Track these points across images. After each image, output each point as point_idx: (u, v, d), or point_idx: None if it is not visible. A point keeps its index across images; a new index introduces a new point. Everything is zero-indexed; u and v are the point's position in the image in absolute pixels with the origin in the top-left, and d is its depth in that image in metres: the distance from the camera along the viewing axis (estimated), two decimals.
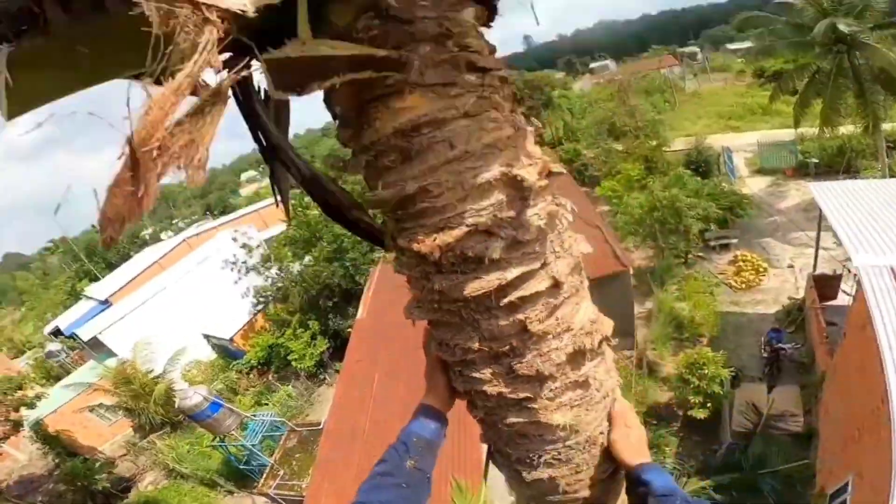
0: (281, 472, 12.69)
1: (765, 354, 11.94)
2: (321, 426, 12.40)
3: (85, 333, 20.73)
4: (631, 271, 12.77)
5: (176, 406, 13.29)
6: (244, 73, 0.55)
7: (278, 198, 1.11)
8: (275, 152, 0.93)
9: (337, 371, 14.76)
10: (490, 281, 0.82)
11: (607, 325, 1.06)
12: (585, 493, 1.29)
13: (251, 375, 18.14)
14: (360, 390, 10.68)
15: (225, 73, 0.56)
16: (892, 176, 14.82)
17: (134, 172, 0.46)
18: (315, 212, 18.39)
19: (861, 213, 9.50)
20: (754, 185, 19.79)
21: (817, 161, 19.05)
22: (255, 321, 19.83)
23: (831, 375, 10.10)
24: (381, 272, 14.88)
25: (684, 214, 14.69)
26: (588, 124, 26.00)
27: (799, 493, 8.98)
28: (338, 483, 9.18)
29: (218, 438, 12.92)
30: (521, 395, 1.00)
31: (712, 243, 16.44)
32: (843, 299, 11.63)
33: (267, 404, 15.93)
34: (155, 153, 0.46)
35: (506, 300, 0.85)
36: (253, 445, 13.04)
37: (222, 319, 19.83)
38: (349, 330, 14.28)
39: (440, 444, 1.21)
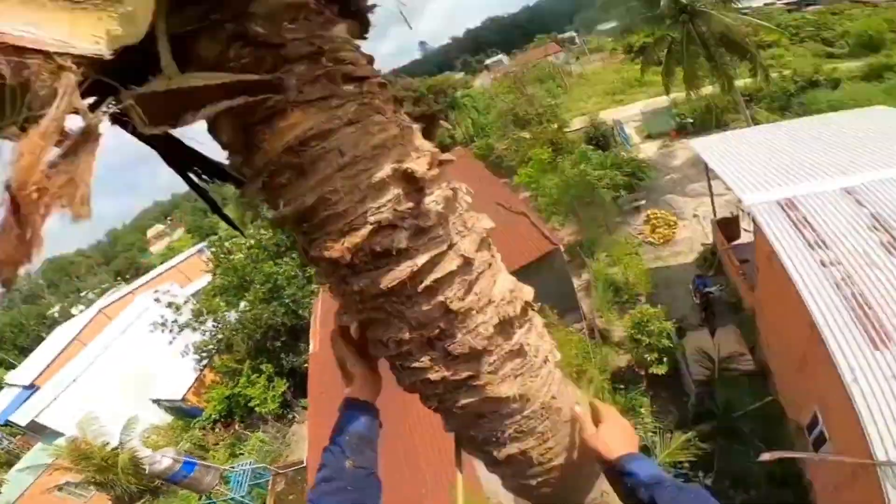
0: None
1: (697, 301, 12.87)
2: (304, 464, 12.20)
3: (21, 419, 19.99)
4: (562, 248, 13.45)
5: (147, 472, 12.74)
6: (112, 111, 0.57)
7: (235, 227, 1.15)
8: (224, 175, 0.95)
9: (304, 408, 14.43)
10: (403, 270, 0.87)
11: (527, 291, 1.13)
12: (561, 460, 1.34)
13: (216, 430, 17.45)
14: (332, 420, 10.59)
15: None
16: (755, 123, 16.75)
17: (17, 217, 0.47)
18: (241, 255, 17.73)
19: (739, 159, 10.66)
20: (647, 150, 21.71)
21: (692, 121, 21.39)
22: (203, 377, 19.24)
23: (760, 310, 11.07)
24: (324, 301, 14.56)
25: (596, 186, 15.82)
26: (494, 118, 27.28)
27: (776, 429, 9.60)
28: None
29: (204, 497, 12.57)
30: (464, 374, 1.05)
31: (626, 208, 17.78)
32: (746, 237, 12.80)
33: (242, 454, 15.41)
34: (35, 195, 0.47)
35: (422, 285, 0.91)
36: (242, 497, 12.67)
37: (168, 381, 19.34)
38: (306, 365, 14.00)
39: (375, 435, 1.18)
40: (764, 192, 8.97)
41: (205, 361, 18.53)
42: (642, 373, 11.54)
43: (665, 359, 10.88)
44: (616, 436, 1.26)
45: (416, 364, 1.04)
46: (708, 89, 19.33)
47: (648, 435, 9.66)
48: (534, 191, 18.60)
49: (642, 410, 10.53)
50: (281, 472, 13.38)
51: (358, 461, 1.09)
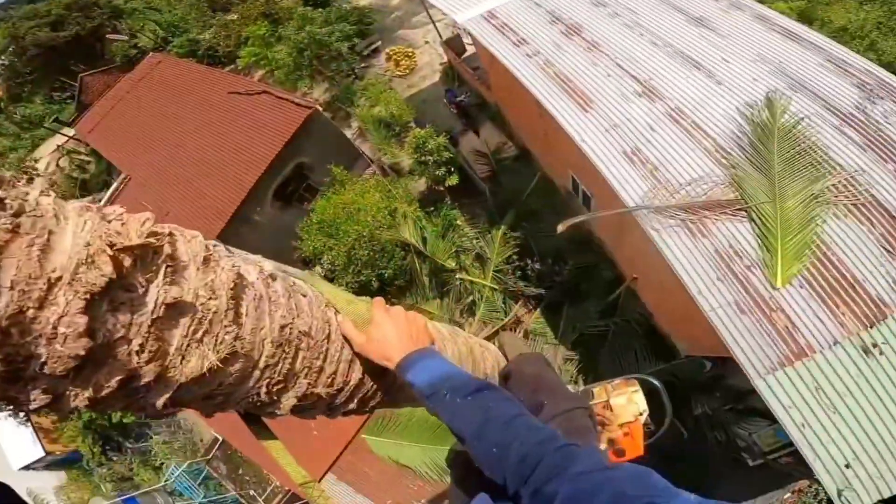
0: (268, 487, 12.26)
1: (454, 111, 14.33)
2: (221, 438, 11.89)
3: None
4: (320, 108, 13.40)
5: None
6: None
7: None
8: None
9: None
10: None
11: (133, 221, 0.66)
12: (357, 371, 1.16)
13: (113, 459, 15.71)
14: None
15: None
16: None
17: None
18: None
19: None
20: None
21: None
22: (37, 424, 16.33)
23: (501, 103, 12.58)
24: None
25: (328, 43, 15.25)
26: (185, 11, 23.10)
27: (554, 199, 11.25)
28: None
29: None
30: (112, 382, 0.65)
31: (365, 53, 17.93)
32: (470, 49, 14.22)
33: (162, 464, 14.26)
34: None
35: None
36: (209, 497, 12.37)
37: (11, 447, 16.03)
38: None
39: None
40: (470, 9, 9.48)
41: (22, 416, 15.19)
42: (441, 189, 12.65)
43: (453, 169, 11.94)
44: (389, 338, 1.08)
45: (35, 405, 0.61)
46: None
47: (475, 242, 10.94)
48: (266, 66, 17.56)
49: (459, 223, 11.71)
50: (212, 456, 12.96)
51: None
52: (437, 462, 8.26)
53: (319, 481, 10.51)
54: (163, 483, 12.88)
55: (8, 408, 0.62)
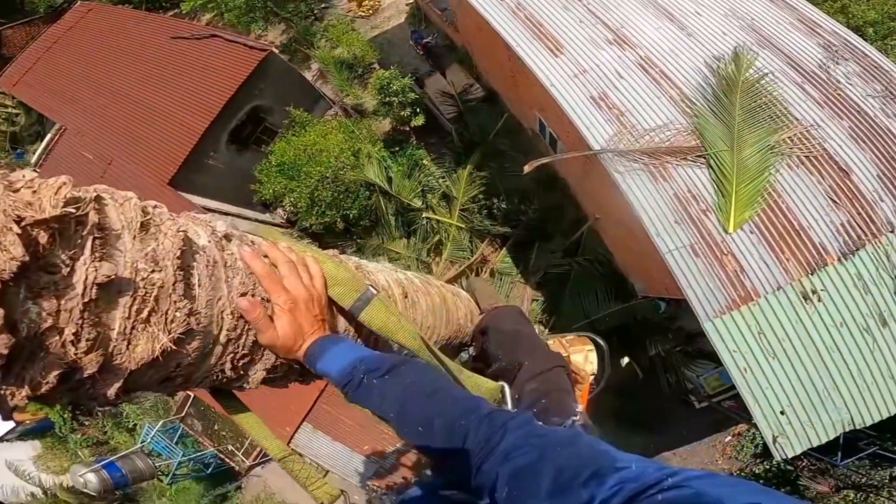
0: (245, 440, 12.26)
1: (420, 52, 13.83)
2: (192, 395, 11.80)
3: None
4: (276, 51, 12.57)
5: (93, 494, 11.50)
6: None
7: None
8: None
9: None
10: None
11: (45, 196, 0.55)
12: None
13: (83, 423, 15.50)
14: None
15: None
16: None
17: None
18: None
19: None
20: None
21: None
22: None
23: (469, 44, 12.11)
24: None
25: None
26: None
27: (520, 139, 11.23)
28: None
29: (166, 478, 12.26)
30: (50, 378, 0.56)
31: None
32: None
33: (136, 425, 14.22)
34: None
35: None
36: (188, 455, 12.48)
37: None
38: None
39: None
40: None
41: None
42: (406, 129, 12.48)
43: (418, 110, 11.74)
44: (287, 327, 0.91)
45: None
46: None
47: (441, 182, 10.87)
48: (214, 9, 16.01)
49: (424, 163, 11.60)
50: (186, 413, 12.86)
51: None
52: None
53: (295, 433, 10.72)
54: (139, 445, 12.66)
55: None
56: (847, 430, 5.71)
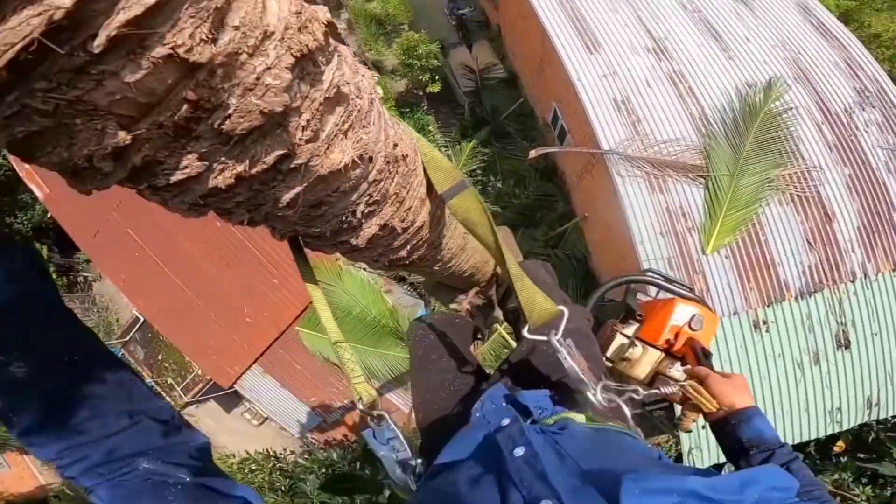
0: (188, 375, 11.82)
1: (453, 23, 13.57)
2: (142, 318, 11.26)
3: None
4: None
5: None
6: None
7: None
8: None
9: (87, 261, 12.20)
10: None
11: (320, 10, 0.69)
12: (423, 216, 1.16)
13: None
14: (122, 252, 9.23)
15: None
16: None
17: None
18: None
19: None
20: None
21: None
22: None
23: (504, 25, 11.93)
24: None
25: None
26: None
27: (530, 126, 11.31)
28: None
29: None
30: (271, 157, 0.65)
31: None
32: None
33: None
34: None
35: (103, 37, 0.38)
36: None
37: None
38: (49, 218, 11.15)
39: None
40: None
41: None
42: (420, 93, 12.38)
43: (437, 77, 11.63)
44: (739, 384, 1.15)
45: (179, 175, 0.58)
46: None
47: (443, 150, 10.70)
48: None
49: (430, 129, 11.71)
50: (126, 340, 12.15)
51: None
52: (369, 364, 7.98)
53: (243, 373, 10.21)
54: None
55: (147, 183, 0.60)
56: None
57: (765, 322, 6.24)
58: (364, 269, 8.41)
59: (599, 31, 7.60)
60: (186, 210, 0.69)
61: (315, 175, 0.77)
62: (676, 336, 1.61)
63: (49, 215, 11.26)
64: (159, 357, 12.54)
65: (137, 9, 0.41)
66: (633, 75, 7.24)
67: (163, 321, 10.12)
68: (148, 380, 12.06)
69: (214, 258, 9.47)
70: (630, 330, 1.77)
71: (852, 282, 6.23)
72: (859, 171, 6.64)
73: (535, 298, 1.17)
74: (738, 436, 1.06)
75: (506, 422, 0.91)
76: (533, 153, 7.17)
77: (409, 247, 1.24)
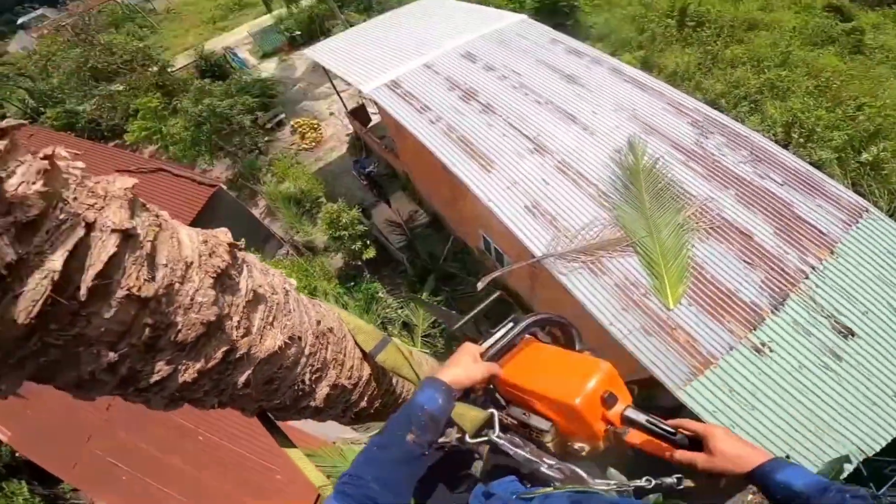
0: None
1: (364, 182, 14.38)
2: None
3: None
4: (223, 186, 12.82)
5: None
6: None
7: None
8: None
9: None
10: (40, 284, 0.59)
11: (221, 233, 0.94)
12: (366, 371, 1.34)
13: None
14: None
15: None
16: (350, 25, 18.03)
17: None
18: None
19: (348, 57, 11.47)
20: (268, 68, 21.39)
21: (300, 33, 21.85)
22: None
23: (409, 170, 12.82)
24: None
25: (230, 115, 14.87)
26: (62, 80, 21.05)
27: (469, 260, 11.75)
28: None
29: None
30: (219, 353, 0.87)
31: (268, 126, 17.82)
32: (376, 118, 14.69)
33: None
34: None
35: (84, 289, 0.63)
36: None
37: None
38: None
39: (445, 419, 1.06)
40: (374, 79, 10.14)
41: None
42: (359, 263, 12.37)
43: (368, 242, 11.77)
44: (737, 444, 1.06)
45: (156, 377, 0.81)
46: (306, 1, 20.61)
47: (399, 312, 10.77)
48: (159, 142, 16.19)
49: (381, 295, 11.49)
50: None
51: (419, 438, 0.99)
52: None
53: None
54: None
55: (132, 391, 0.76)
56: (859, 460, 5.52)
57: (763, 344, 6.06)
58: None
59: (487, 149, 8.31)
60: (166, 405, 0.89)
61: (258, 359, 0.92)
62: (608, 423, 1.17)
63: (17, 454, 10.02)
64: None
65: (98, 265, 0.62)
66: (529, 179, 7.82)
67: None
68: None
69: (211, 467, 8.63)
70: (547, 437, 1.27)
71: (807, 278, 6.38)
72: (740, 188, 7.16)
73: (464, 414, 1.22)
74: (770, 496, 0.97)
75: None
76: (480, 283, 7.40)
77: (366, 398, 1.35)
